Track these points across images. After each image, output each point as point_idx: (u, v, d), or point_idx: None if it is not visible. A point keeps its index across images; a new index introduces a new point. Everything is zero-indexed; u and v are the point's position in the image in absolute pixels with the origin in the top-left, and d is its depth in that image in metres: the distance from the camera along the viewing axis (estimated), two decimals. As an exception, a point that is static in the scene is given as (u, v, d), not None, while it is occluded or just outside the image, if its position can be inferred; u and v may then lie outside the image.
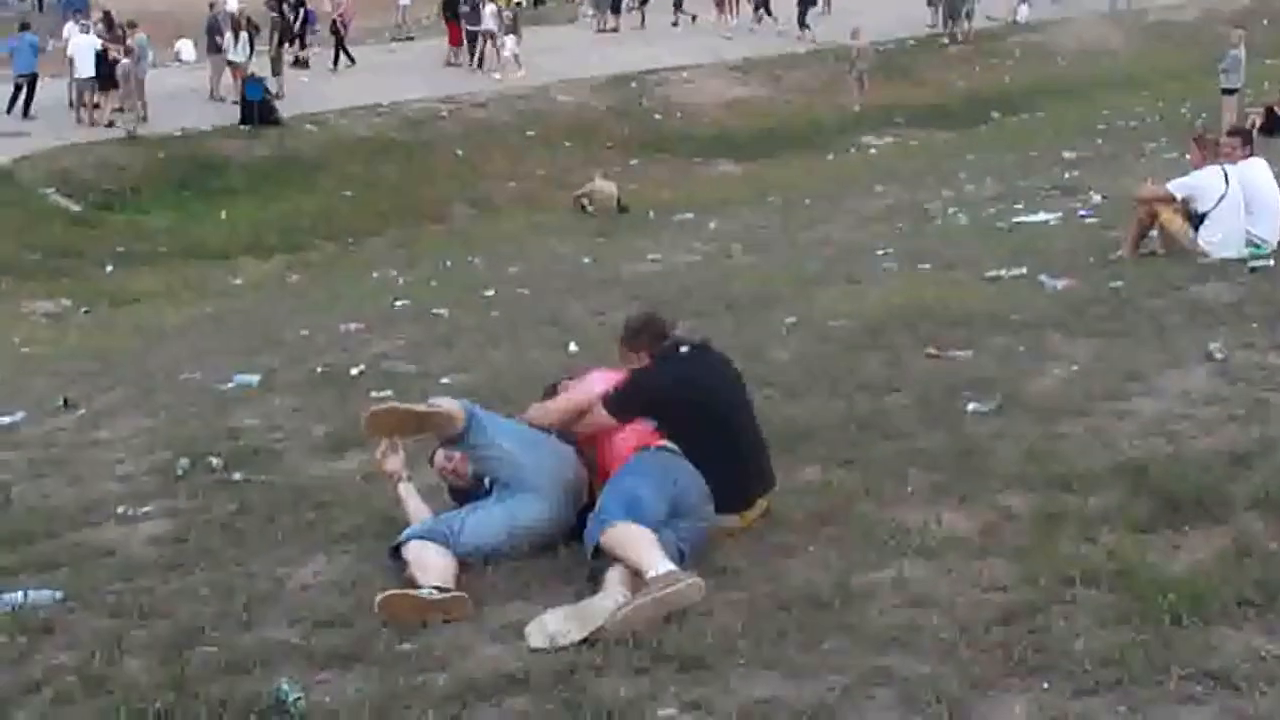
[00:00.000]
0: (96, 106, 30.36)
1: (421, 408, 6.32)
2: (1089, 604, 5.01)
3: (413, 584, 5.75)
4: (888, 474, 6.82)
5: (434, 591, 5.61)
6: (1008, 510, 6.16)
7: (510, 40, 36.01)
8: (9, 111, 30.01)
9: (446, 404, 6.31)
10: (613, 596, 5.36)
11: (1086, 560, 5.40)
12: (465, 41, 36.79)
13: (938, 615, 5.08)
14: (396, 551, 6.11)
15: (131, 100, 30.40)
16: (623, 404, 6.38)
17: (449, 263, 21.17)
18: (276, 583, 6.21)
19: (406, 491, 6.62)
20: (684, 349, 6.54)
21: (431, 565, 5.86)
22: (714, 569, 5.71)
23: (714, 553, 5.84)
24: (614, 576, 5.50)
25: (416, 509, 6.50)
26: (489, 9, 35.96)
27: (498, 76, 35.55)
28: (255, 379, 11.39)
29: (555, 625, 5.22)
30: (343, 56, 35.98)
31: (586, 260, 18.76)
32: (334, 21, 35.70)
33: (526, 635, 5.20)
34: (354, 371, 11.34)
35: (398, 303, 16.39)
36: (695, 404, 6.31)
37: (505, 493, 6.20)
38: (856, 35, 37.36)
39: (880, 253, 14.89)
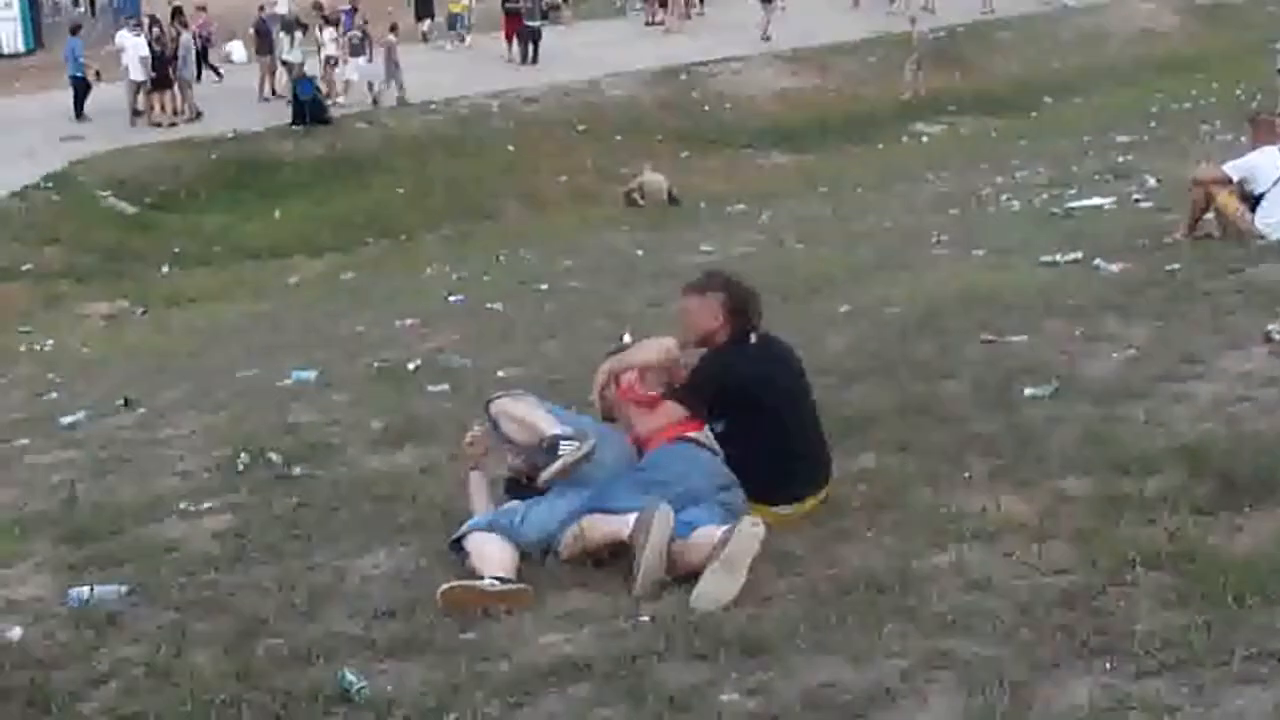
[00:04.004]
0: (151, 109, 30.64)
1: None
2: (1150, 586, 4.99)
3: (474, 575, 5.79)
4: (945, 459, 6.80)
5: (495, 583, 5.64)
6: (1066, 494, 6.13)
7: (359, 62, 33.44)
8: (78, 116, 30.35)
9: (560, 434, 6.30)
10: (744, 534, 5.49)
11: (1146, 542, 5.36)
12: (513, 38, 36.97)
13: (997, 598, 5.06)
14: (458, 544, 6.15)
15: (186, 98, 30.79)
16: (695, 391, 6.37)
17: (502, 257, 21.23)
18: (337, 575, 6.25)
19: (477, 481, 6.68)
20: (754, 338, 6.52)
21: (493, 556, 5.89)
22: (774, 555, 5.71)
23: (773, 539, 5.83)
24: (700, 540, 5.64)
25: (480, 501, 6.54)
26: (327, 33, 32.93)
27: (342, 101, 33.06)
28: (313, 375, 11.46)
29: (714, 587, 5.36)
30: (206, 70, 33.91)
31: (639, 252, 18.77)
32: (194, 35, 32.76)
33: (693, 605, 5.30)
34: (410, 366, 11.40)
35: (452, 298, 16.46)
36: (759, 394, 6.31)
37: (566, 485, 6.21)
38: (915, 22, 37.27)
39: (933, 240, 14.85)
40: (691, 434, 6.37)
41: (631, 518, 5.75)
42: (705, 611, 5.25)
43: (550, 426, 6.25)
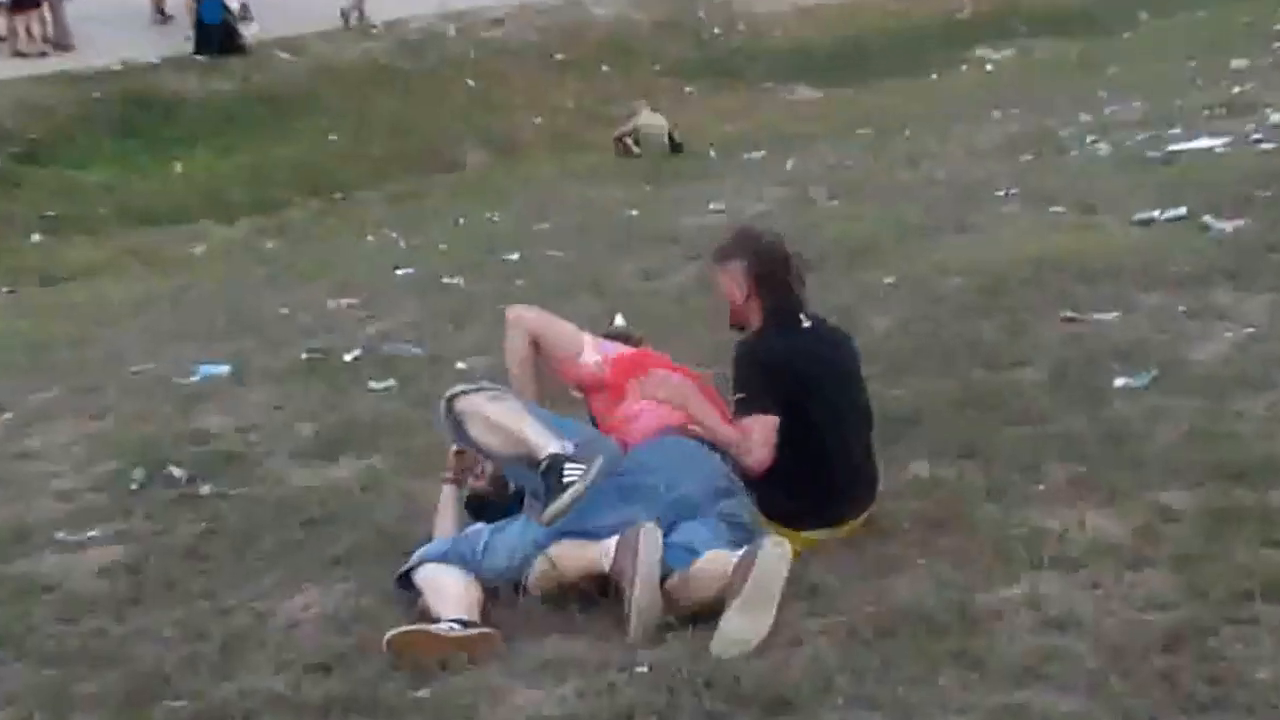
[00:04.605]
0: (14, 35, 30.49)
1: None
2: (1273, 622, 5.01)
3: (428, 617, 5.80)
4: (1016, 467, 6.83)
5: (455, 626, 5.65)
6: (1168, 509, 6.15)
7: None
8: None
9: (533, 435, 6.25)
10: (767, 558, 5.45)
11: (1268, 569, 5.39)
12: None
13: (1083, 640, 5.08)
14: (406, 578, 6.16)
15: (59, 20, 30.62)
16: (751, 394, 6.32)
17: (462, 220, 21.30)
18: (258, 619, 6.27)
19: (449, 498, 6.72)
20: (806, 322, 6.50)
21: (451, 593, 5.90)
22: (803, 588, 5.73)
23: (802, 569, 5.85)
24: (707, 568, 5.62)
25: (447, 522, 6.56)
26: None
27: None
28: (224, 369, 11.46)
29: (739, 628, 5.34)
30: None
31: (633, 212, 18.77)
32: None
33: (715, 653, 5.27)
34: (347, 357, 11.42)
35: (399, 271, 16.46)
36: (798, 394, 6.30)
37: (540, 502, 6.19)
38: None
39: (1001, 193, 14.85)
40: (680, 422, 6.41)
41: (612, 543, 5.74)
42: (727, 658, 5.24)
43: (545, 440, 6.12)
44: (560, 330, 7.01)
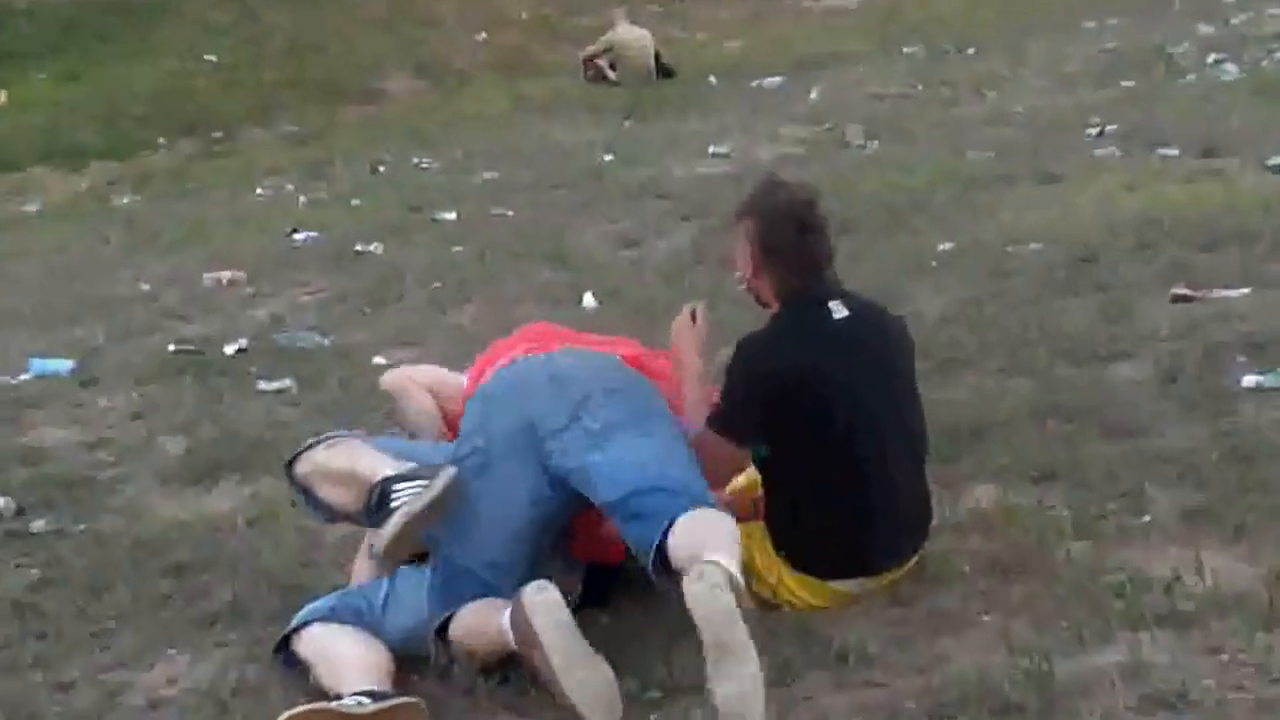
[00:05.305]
0: None
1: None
2: None
3: (325, 693, 5.78)
4: (1111, 494, 6.83)
5: (364, 700, 5.60)
6: (1313, 549, 6.15)
7: None
8: None
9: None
10: (703, 602, 5.28)
11: None
12: None
13: (1199, 721, 5.08)
14: (288, 644, 6.15)
15: None
16: (725, 410, 6.30)
17: (381, 167, 21.31)
18: (107, 696, 6.25)
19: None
20: (837, 313, 6.33)
21: (350, 660, 5.88)
22: (830, 655, 5.72)
23: (829, 627, 5.85)
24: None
25: (363, 570, 6.53)
26: None
27: None
28: (65, 366, 11.45)
29: (730, 697, 5.15)
30: None
31: (607, 157, 18.80)
32: None
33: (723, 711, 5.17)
34: (229, 350, 11.41)
35: (298, 235, 16.47)
36: (828, 408, 6.21)
37: (453, 541, 6.14)
38: None
39: (1094, 132, 14.88)
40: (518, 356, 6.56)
41: (505, 617, 5.68)
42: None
43: (380, 468, 6.07)
44: (448, 378, 7.07)
